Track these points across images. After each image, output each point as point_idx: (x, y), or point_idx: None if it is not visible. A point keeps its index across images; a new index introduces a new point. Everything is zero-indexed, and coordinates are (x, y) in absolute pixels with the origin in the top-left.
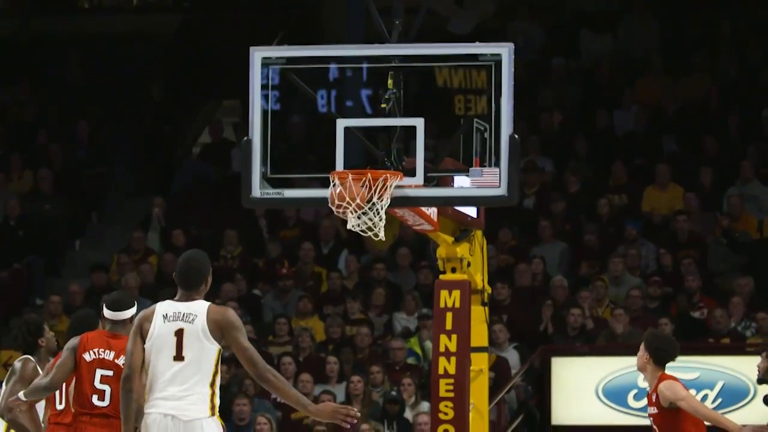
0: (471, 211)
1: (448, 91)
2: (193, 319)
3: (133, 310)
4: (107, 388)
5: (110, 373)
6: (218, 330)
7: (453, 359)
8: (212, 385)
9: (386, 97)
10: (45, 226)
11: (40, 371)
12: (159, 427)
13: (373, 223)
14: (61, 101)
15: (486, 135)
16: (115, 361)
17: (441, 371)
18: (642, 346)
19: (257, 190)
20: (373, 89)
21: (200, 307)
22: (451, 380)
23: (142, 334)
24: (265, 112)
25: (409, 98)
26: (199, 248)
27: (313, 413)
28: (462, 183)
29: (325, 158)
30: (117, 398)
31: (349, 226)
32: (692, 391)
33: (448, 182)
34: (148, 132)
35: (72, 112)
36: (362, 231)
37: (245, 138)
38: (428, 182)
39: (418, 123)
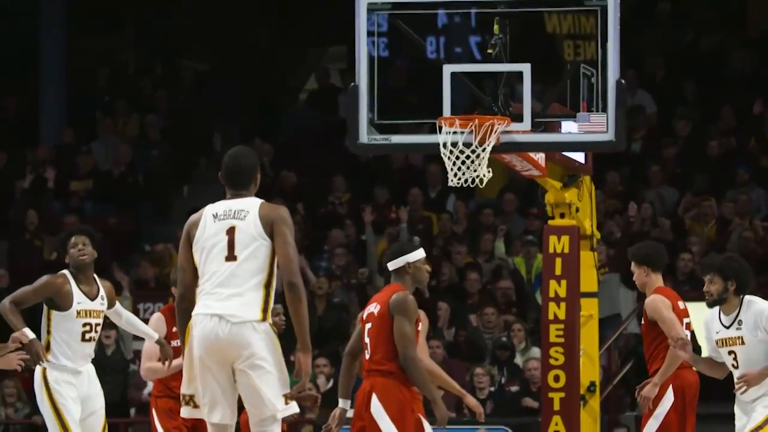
0: (579, 156)
1: (557, 36)
2: (244, 216)
3: (406, 257)
4: (368, 341)
5: (369, 325)
6: (269, 225)
7: (563, 305)
8: (267, 286)
9: (492, 42)
10: (153, 173)
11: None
12: (204, 328)
13: (475, 170)
14: (165, 47)
15: (593, 80)
16: (372, 311)
17: (551, 317)
18: (634, 265)
19: (365, 136)
20: (482, 36)
21: (252, 202)
22: (561, 326)
23: (191, 241)
24: (371, 59)
25: (517, 44)
26: (307, 195)
27: (299, 358)
28: (569, 128)
29: (432, 104)
30: (374, 349)
31: (451, 182)
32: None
33: (555, 128)
34: (255, 78)
35: (177, 59)
36: (465, 183)
37: (352, 84)
38: (536, 127)
39: (525, 68)
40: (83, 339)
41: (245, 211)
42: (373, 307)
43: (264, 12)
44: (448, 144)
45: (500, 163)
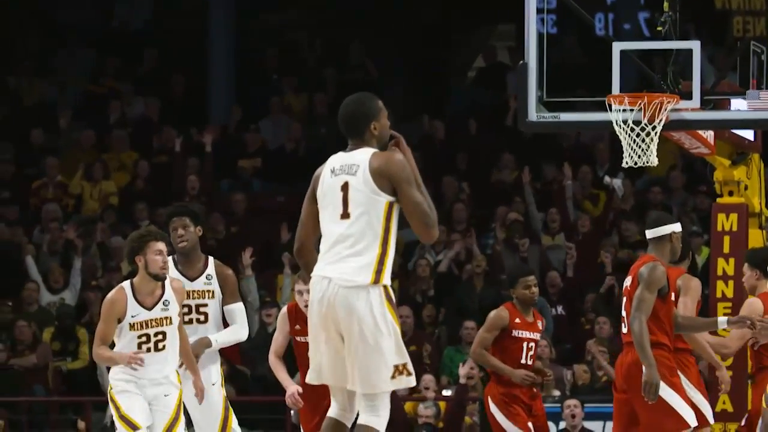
0: (748, 134)
1: (726, 13)
2: (356, 170)
3: (673, 227)
4: (624, 314)
5: (624, 299)
6: (383, 179)
7: (731, 283)
8: (383, 245)
9: (662, 20)
10: (321, 150)
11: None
12: (315, 291)
13: (643, 150)
14: (331, 24)
15: (763, 57)
16: (627, 286)
17: (719, 294)
18: (746, 267)
19: (533, 113)
20: (651, 12)
21: (363, 155)
22: (729, 303)
23: (315, 195)
24: (540, 36)
25: (686, 21)
26: (476, 172)
27: None
28: (739, 106)
29: (601, 81)
30: (629, 322)
31: (625, 164)
32: None
33: (725, 105)
34: (423, 56)
35: (343, 35)
36: (638, 163)
37: (521, 62)
38: (705, 105)
39: (695, 46)
40: (184, 322)
41: (356, 165)
42: (627, 282)
43: None
44: (620, 122)
45: (669, 141)
